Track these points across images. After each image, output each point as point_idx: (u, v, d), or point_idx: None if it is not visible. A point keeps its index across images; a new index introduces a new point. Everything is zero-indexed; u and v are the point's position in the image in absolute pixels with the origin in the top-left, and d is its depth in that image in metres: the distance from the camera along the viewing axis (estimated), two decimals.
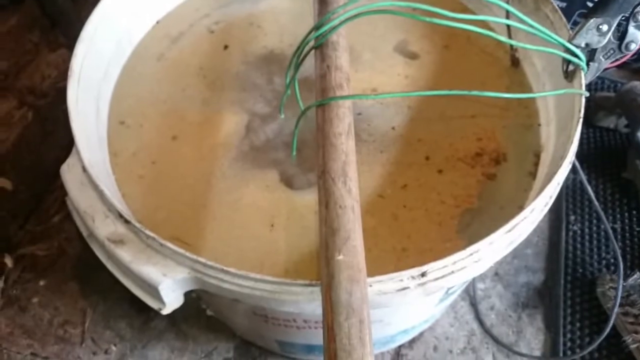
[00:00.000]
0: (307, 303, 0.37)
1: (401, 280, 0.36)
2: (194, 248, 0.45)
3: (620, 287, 0.63)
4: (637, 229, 0.76)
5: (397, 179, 0.50)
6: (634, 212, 0.78)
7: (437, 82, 0.57)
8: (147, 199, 0.49)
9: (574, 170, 0.51)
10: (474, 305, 0.67)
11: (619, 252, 0.65)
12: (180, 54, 0.60)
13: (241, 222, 0.47)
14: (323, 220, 0.36)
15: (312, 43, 0.49)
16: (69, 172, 0.45)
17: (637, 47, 0.46)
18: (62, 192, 0.51)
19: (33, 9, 0.82)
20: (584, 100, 0.45)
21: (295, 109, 0.52)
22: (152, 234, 0.38)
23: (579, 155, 0.58)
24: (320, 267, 0.35)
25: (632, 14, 0.44)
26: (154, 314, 0.64)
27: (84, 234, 0.44)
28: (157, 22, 0.63)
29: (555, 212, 0.77)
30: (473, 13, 0.62)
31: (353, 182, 0.38)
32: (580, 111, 0.45)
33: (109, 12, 0.56)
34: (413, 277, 0.36)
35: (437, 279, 0.37)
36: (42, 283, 0.73)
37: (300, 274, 0.43)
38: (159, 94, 0.57)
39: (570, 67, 0.47)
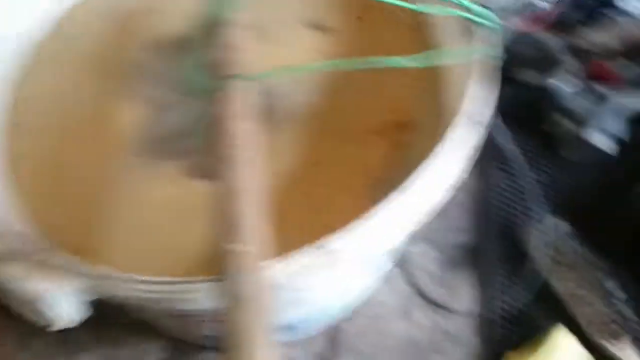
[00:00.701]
0: (212, 299, 0.35)
1: (305, 257, 0.35)
2: (99, 253, 0.43)
3: (549, 238, 0.65)
4: (560, 178, 0.78)
5: (309, 156, 0.49)
6: (557, 162, 0.80)
7: (350, 55, 0.56)
8: (48, 206, 0.46)
9: (496, 126, 0.51)
10: (407, 270, 0.68)
11: (545, 203, 0.67)
12: (77, 48, 0.56)
13: (146, 219, 0.45)
14: (219, 210, 0.35)
15: (210, 23, 0.47)
16: None
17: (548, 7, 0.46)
18: None
19: None
20: (491, 60, 0.45)
21: (198, 95, 0.49)
22: (39, 247, 0.35)
23: (500, 111, 0.59)
24: (219, 259, 0.34)
25: None
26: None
27: None
28: (56, 19, 0.59)
29: (480, 170, 0.77)
30: None
31: (249, 167, 0.37)
32: (486, 70, 0.45)
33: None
34: (317, 254, 0.35)
35: (343, 251, 0.36)
36: None
37: (213, 268, 0.42)
38: (55, 93, 0.53)
39: (478, 28, 0.47)
